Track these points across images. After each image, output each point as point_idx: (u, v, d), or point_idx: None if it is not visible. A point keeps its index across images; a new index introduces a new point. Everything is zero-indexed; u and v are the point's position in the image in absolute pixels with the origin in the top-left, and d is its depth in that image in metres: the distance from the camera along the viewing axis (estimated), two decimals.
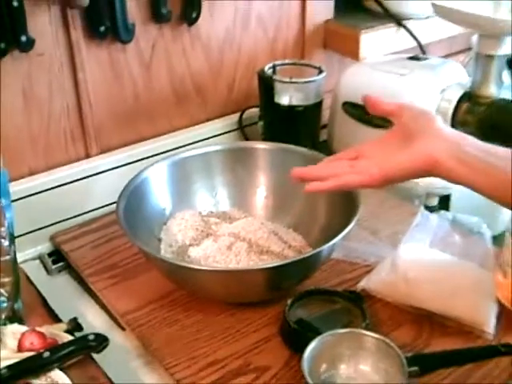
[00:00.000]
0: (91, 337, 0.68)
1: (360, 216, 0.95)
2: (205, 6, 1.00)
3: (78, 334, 0.73)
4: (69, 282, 0.90)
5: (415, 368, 0.66)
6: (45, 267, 0.92)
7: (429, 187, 0.98)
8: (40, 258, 0.93)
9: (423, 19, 1.16)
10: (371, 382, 0.68)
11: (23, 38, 0.85)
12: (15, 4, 0.82)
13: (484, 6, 0.88)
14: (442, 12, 0.93)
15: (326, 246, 0.71)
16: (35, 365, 0.65)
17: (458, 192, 0.99)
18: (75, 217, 0.98)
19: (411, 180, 1.01)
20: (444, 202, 1.02)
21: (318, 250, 0.72)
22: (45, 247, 0.95)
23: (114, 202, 0.87)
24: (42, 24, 0.87)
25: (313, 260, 0.74)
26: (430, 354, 0.70)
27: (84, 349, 0.67)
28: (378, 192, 1.01)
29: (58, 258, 0.93)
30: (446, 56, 1.33)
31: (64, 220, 0.97)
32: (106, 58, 0.95)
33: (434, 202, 1.02)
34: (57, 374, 0.66)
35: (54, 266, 0.91)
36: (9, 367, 0.64)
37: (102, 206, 0.99)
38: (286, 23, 1.12)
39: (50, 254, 0.93)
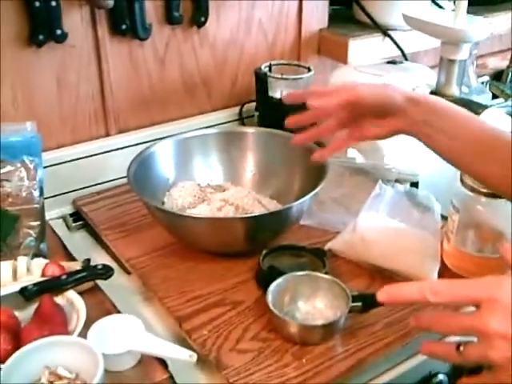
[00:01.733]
0: (100, 266, 0.85)
1: (337, 195, 1.11)
2: (212, 11, 1.17)
3: None
4: (86, 237, 1.07)
5: (359, 304, 0.81)
6: (66, 225, 1.09)
7: (399, 173, 1.13)
8: (63, 217, 1.10)
9: (407, 31, 1.32)
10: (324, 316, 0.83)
11: (58, 32, 1.03)
12: (53, 4, 1.00)
13: (445, 17, 1.04)
14: (411, 22, 1.09)
15: (294, 204, 0.88)
16: (55, 284, 0.82)
17: (424, 179, 1.13)
18: (94, 185, 1.14)
19: (385, 167, 1.17)
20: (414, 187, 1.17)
21: (287, 206, 0.88)
22: (67, 209, 1.12)
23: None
24: (75, 21, 1.05)
25: (283, 215, 0.90)
26: (372, 293, 0.85)
27: (93, 275, 0.84)
28: (355, 177, 1.16)
29: (77, 218, 1.10)
30: (434, 66, 1.48)
31: (84, 187, 1.14)
32: (126, 52, 1.12)
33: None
34: (72, 294, 0.83)
35: (74, 224, 1.08)
36: (34, 284, 0.81)
37: (117, 178, 1.15)
38: (284, 30, 1.29)
39: (71, 215, 1.11)
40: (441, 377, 0.87)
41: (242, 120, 1.27)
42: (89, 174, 1.14)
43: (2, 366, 0.68)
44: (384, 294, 0.60)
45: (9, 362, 0.69)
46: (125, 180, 1.13)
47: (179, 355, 0.75)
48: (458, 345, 0.57)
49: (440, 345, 0.61)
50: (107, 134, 1.17)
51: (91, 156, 1.14)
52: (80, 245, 1.03)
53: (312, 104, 0.79)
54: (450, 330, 0.59)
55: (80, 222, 1.09)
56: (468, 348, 0.56)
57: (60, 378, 0.71)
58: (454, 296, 0.57)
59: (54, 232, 1.04)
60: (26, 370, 0.70)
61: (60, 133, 1.11)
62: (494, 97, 1.49)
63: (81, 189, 1.13)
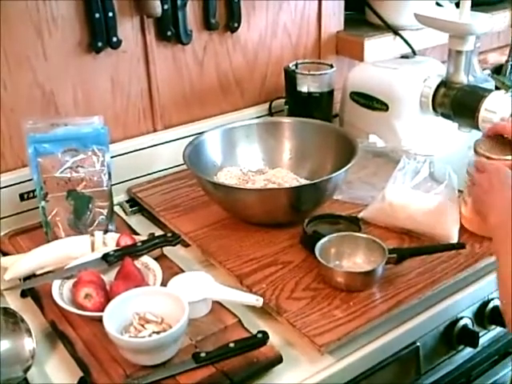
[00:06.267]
0: (169, 234, 0.98)
1: (363, 175, 1.25)
2: (243, 18, 1.31)
3: None
4: (142, 219, 1.20)
5: (394, 255, 0.95)
6: (123, 210, 1.23)
7: (415, 154, 1.27)
8: (119, 204, 1.24)
9: (415, 30, 1.47)
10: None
11: (114, 39, 1.17)
12: (110, 14, 1.15)
13: (452, 14, 1.18)
14: (422, 19, 1.23)
15: (332, 176, 1.02)
16: (132, 250, 0.95)
17: (438, 159, 1.27)
18: (144, 176, 1.28)
19: (402, 149, 1.30)
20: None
21: (326, 177, 1.02)
22: (121, 197, 1.25)
23: (174, 166, 1.23)
24: (127, 29, 1.19)
25: (322, 186, 1.03)
26: (404, 247, 0.99)
27: (164, 241, 0.97)
28: (377, 159, 1.30)
29: (132, 204, 1.23)
30: (440, 61, 1.62)
31: (135, 178, 1.27)
32: (170, 56, 1.26)
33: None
34: (146, 259, 0.96)
35: (130, 209, 1.22)
36: (115, 250, 0.94)
37: (164, 169, 1.30)
38: (306, 33, 1.43)
39: (126, 201, 1.24)
40: (465, 320, 1.01)
41: (271, 115, 1.41)
42: (139, 166, 1.28)
43: (103, 313, 0.82)
44: None
45: (107, 310, 0.82)
46: (171, 170, 1.30)
47: (247, 299, 0.88)
48: None
49: None
50: (154, 130, 1.30)
51: (140, 150, 1.27)
52: (139, 225, 1.17)
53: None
54: None
55: (135, 208, 1.22)
56: None
57: (148, 321, 0.84)
58: None
59: (117, 214, 1.17)
60: (120, 316, 0.83)
61: (113, 129, 1.24)
62: (496, 88, 1.63)
63: (132, 179, 1.27)
